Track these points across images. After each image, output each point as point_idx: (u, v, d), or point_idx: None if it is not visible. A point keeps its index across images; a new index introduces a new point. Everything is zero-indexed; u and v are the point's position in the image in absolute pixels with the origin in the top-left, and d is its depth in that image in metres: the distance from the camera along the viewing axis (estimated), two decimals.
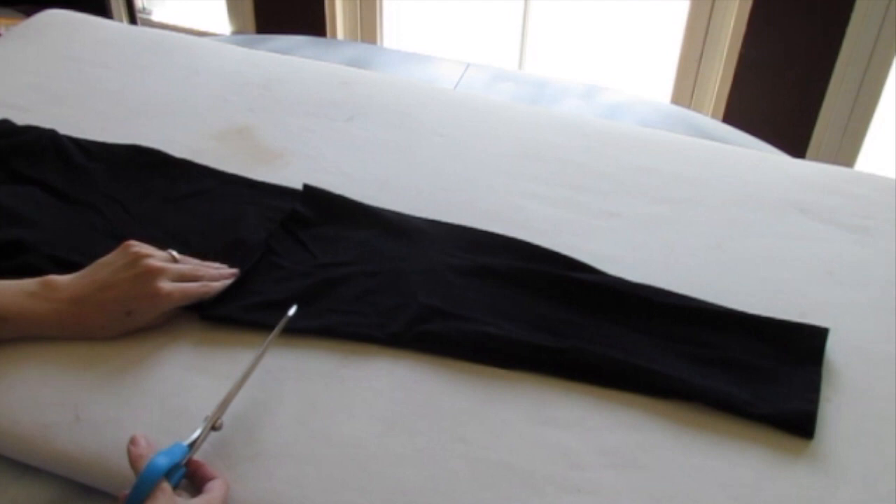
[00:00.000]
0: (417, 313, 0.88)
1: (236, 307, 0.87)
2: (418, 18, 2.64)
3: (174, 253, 0.87)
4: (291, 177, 1.08)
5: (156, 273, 0.82)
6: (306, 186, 1.04)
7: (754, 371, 0.84)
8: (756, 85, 2.13)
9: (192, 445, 0.71)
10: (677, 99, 2.28)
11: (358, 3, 2.53)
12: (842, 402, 0.82)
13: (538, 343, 0.85)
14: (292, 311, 0.84)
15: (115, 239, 0.88)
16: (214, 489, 0.69)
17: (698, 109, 2.22)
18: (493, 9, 2.51)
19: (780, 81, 2.10)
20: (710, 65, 2.19)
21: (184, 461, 0.70)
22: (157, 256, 0.85)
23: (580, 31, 2.48)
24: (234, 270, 0.91)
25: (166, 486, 0.66)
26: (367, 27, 2.57)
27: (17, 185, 1.03)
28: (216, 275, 0.89)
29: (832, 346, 0.87)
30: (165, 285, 0.82)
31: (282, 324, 0.82)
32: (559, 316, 0.89)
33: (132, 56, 1.38)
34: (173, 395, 0.80)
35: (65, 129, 1.13)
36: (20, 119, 1.15)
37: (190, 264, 0.88)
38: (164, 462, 0.67)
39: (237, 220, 1.00)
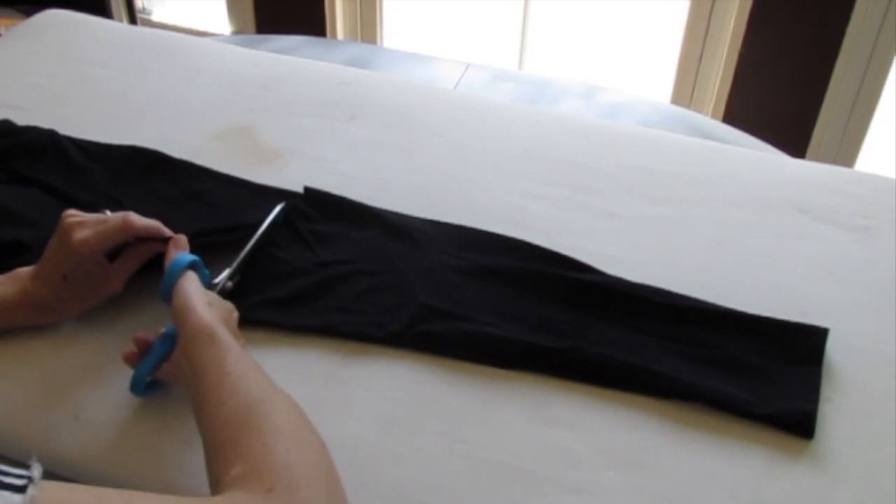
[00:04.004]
0: (417, 313, 0.88)
1: (239, 306, 0.87)
2: (418, 18, 2.64)
3: (108, 211, 0.85)
4: (291, 177, 1.08)
5: (72, 227, 0.80)
6: (307, 189, 1.04)
7: (754, 371, 0.84)
8: (756, 85, 2.13)
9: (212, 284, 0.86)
10: (677, 99, 2.28)
11: (358, 3, 2.53)
12: (842, 402, 0.82)
13: (538, 343, 0.85)
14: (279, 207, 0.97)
15: None
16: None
17: (698, 109, 2.22)
18: (493, 9, 2.51)
19: (780, 82, 2.10)
20: (710, 65, 2.19)
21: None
22: (83, 216, 0.83)
23: (580, 31, 2.48)
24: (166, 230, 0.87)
25: (192, 273, 0.78)
26: (367, 27, 2.57)
27: (17, 185, 1.03)
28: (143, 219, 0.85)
29: (832, 346, 0.87)
30: (80, 234, 0.80)
31: (274, 213, 0.96)
32: (559, 316, 0.89)
33: (132, 56, 1.38)
34: (174, 395, 0.80)
35: (65, 129, 1.13)
36: (20, 119, 1.15)
37: (121, 213, 0.85)
38: (186, 258, 0.79)
39: (236, 221, 1.00)
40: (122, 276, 0.85)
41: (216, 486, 0.59)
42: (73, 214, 0.83)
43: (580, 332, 0.87)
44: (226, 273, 0.88)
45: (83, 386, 0.81)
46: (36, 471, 0.48)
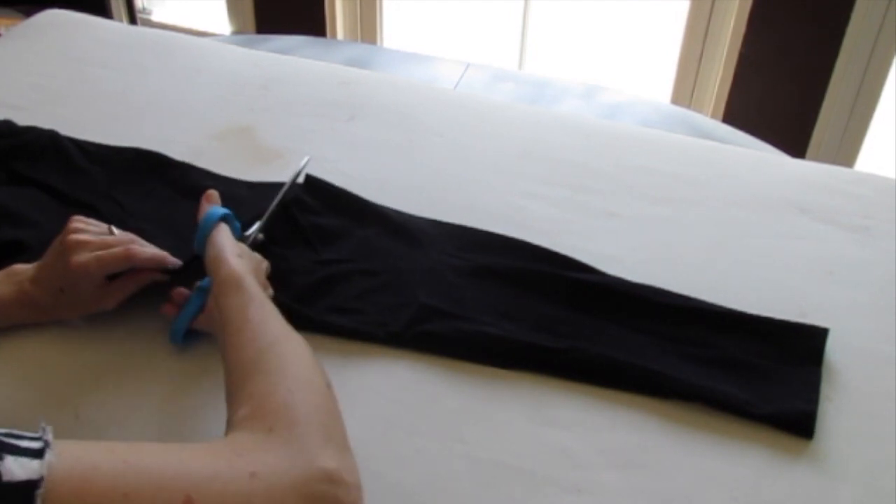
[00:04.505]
0: (418, 313, 0.88)
1: None
2: (418, 18, 2.64)
3: (114, 228, 0.85)
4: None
5: (73, 247, 0.80)
6: (308, 177, 1.05)
7: (754, 371, 0.84)
8: (756, 85, 2.13)
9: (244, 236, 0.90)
10: (677, 99, 2.28)
11: (358, 3, 2.53)
12: (842, 402, 0.82)
13: (538, 343, 0.85)
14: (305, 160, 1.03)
15: None
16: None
17: (698, 109, 2.22)
18: (493, 9, 2.51)
19: (780, 82, 2.10)
20: (710, 65, 2.19)
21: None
22: (87, 231, 0.82)
23: (580, 31, 2.48)
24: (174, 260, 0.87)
25: (224, 226, 0.82)
26: (367, 27, 2.57)
27: (17, 185, 1.03)
28: (149, 248, 0.85)
29: (832, 346, 0.87)
30: (80, 257, 0.79)
31: (300, 167, 1.01)
32: (559, 316, 0.89)
33: (132, 56, 1.38)
34: (174, 395, 0.80)
35: (65, 129, 1.13)
36: (20, 119, 1.15)
37: (125, 238, 0.85)
38: (219, 211, 0.83)
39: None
40: (118, 298, 0.84)
41: (227, 427, 0.61)
42: (78, 230, 0.82)
43: (580, 332, 0.87)
44: (256, 226, 0.92)
45: (83, 386, 0.81)
46: (49, 434, 0.49)
